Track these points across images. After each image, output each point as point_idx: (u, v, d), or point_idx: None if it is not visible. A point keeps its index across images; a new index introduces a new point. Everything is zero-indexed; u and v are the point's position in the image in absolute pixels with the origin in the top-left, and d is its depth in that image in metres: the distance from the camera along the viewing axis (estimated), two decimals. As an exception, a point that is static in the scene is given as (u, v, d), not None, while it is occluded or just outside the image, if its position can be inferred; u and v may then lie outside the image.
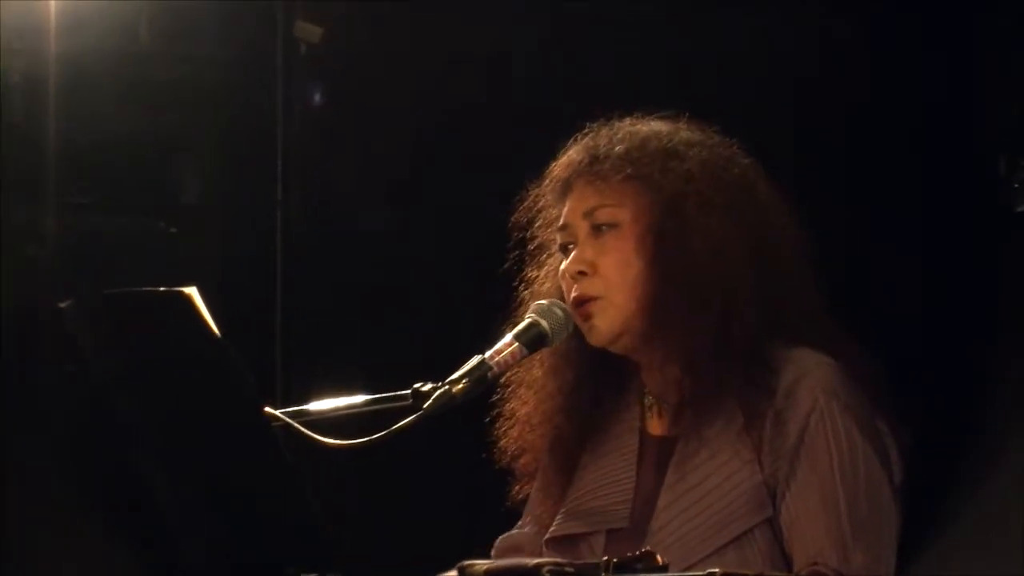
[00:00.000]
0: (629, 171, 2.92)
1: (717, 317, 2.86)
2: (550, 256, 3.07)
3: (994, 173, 3.79)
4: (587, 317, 2.93)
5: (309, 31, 4.80)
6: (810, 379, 2.84)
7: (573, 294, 2.94)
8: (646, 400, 3.01)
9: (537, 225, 3.08)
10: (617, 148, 2.95)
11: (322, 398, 2.93)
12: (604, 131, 3.01)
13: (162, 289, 2.53)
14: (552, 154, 3.07)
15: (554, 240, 3.04)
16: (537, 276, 3.09)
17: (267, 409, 2.68)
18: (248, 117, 4.88)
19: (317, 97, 4.94)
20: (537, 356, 3.00)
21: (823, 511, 2.79)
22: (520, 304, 3.06)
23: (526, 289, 3.09)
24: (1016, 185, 3.70)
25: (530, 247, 3.10)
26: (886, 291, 4.14)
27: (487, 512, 3.14)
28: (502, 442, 3.07)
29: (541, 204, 3.07)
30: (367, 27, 4.78)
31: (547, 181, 3.05)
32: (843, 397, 2.83)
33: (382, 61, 4.78)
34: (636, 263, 2.91)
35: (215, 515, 2.58)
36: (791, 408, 2.83)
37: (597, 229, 2.94)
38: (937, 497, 3.82)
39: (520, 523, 3.13)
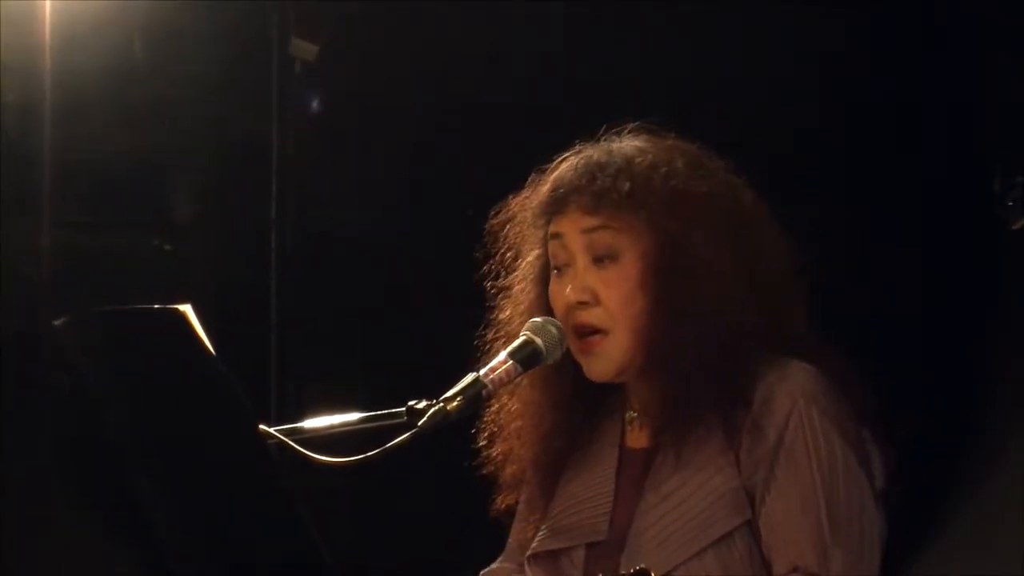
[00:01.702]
0: (636, 212, 2.89)
1: (718, 350, 2.85)
2: (526, 264, 3.05)
3: (989, 187, 3.79)
4: (589, 352, 2.93)
5: (305, 49, 4.80)
6: (788, 383, 2.84)
7: (574, 322, 2.92)
8: (627, 415, 3.02)
9: (515, 234, 3.05)
10: (621, 184, 2.90)
11: (316, 416, 2.93)
12: (596, 155, 2.97)
13: (156, 307, 2.55)
14: (549, 162, 3.05)
15: (532, 250, 3.02)
16: (514, 286, 3.07)
17: (261, 427, 2.68)
18: (243, 135, 4.88)
19: (312, 113, 4.94)
20: (530, 373, 2.97)
21: (802, 513, 2.79)
22: (497, 315, 3.06)
23: (503, 299, 3.07)
24: (1011, 203, 3.69)
25: (508, 255, 3.08)
26: (886, 291, 4.14)
27: (480, 529, 3.15)
28: (492, 452, 3.07)
29: (524, 216, 3.04)
30: (362, 44, 4.78)
31: (536, 198, 3.01)
32: (821, 401, 2.83)
33: (377, 78, 4.77)
34: (640, 298, 2.89)
35: (209, 533, 2.59)
36: (769, 412, 2.83)
37: (599, 259, 2.92)
38: (937, 497, 3.82)
39: (506, 550, 3.14)
